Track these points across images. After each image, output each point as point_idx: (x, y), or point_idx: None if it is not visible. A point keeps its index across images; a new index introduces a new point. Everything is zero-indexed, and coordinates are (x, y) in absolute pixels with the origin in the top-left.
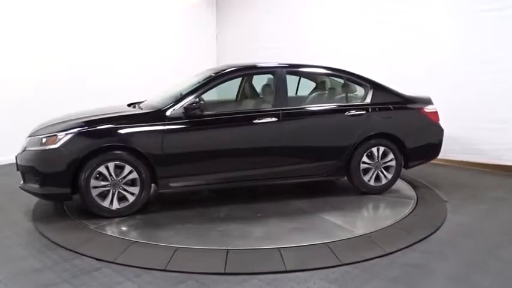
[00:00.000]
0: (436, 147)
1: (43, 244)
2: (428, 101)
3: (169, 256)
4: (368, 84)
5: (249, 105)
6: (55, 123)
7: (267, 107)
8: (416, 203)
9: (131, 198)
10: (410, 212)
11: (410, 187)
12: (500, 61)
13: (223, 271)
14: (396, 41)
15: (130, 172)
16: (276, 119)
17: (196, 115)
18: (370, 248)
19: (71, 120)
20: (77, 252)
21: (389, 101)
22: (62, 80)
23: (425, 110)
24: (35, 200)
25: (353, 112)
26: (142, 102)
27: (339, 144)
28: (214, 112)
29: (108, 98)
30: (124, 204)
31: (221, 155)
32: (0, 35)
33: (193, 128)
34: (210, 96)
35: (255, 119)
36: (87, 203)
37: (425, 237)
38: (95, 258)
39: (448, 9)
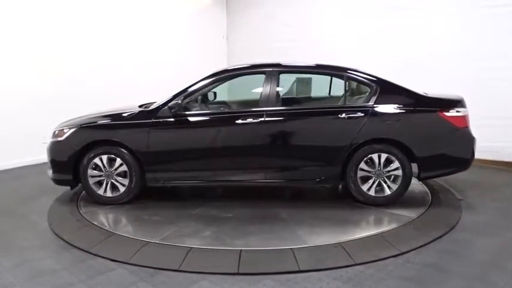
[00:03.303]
0: (461, 157)
1: (58, 245)
2: (454, 103)
3: (182, 256)
4: (374, 84)
5: (253, 105)
6: (70, 120)
7: (271, 106)
8: (431, 202)
9: (122, 189)
10: (425, 211)
11: (424, 186)
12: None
13: (236, 271)
14: (408, 39)
15: (121, 165)
16: (260, 120)
17: (179, 115)
18: (384, 248)
19: (81, 117)
20: (91, 253)
21: (398, 102)
22: (74, 84)
23: (446, 114)
24: (49, 202)
25: (348, 114)
26: (154, 102)
27: (330, 149)
28: (197, 112)
29: (120, 99)
30: (116, 194)
31: (204, 155)
32: (5, 41)
33: (177, 127)
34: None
35: (237, 120)
36: (86, 190)
37: (440, 236)
38: (109, 259)
39: (455, 6)
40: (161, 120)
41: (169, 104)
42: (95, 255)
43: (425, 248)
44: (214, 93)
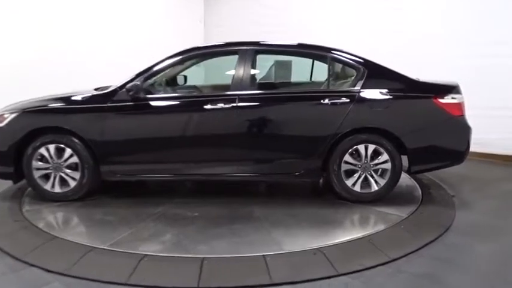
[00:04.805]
0: (456, 148)
1: None
2: (449, 89)
3: (132, 266)
4: (361, 66)
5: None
6: (12, 104)
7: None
8: (421, 198)
9: (73, 183)
10: (415, 209)
11: (412, 180)
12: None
13: (196, 285)
14: (401, 23)
15: (71, 156)
16: (231, 105)
17: (139, 98)
18: (371, 254)
19: (25, 101)
20: (25, 262)
21: (388, 87)
22: (44, 65)
23: (440, 100)
24: None
25: (332, 100)
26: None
27: (311, 139)
28: (160, 96)
29: (89, 83)
30: (66, 189)
31: (167, 144)
32: None
33: (136, 113)
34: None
35: (206, 105)
36: (30, 185)
37: (433, 240)
38: (44, 269)
39: None
40: (118, 104)
41: (127, 86)
42: (29, 264)
43: (417, 254)
44: (185, 76)
